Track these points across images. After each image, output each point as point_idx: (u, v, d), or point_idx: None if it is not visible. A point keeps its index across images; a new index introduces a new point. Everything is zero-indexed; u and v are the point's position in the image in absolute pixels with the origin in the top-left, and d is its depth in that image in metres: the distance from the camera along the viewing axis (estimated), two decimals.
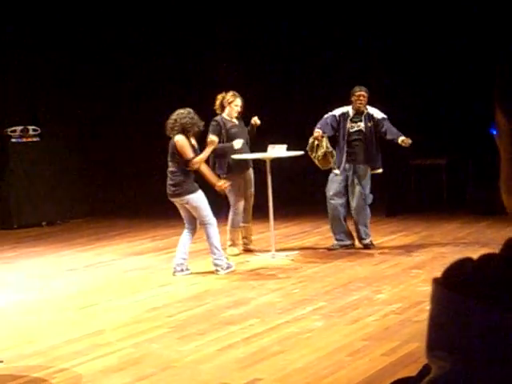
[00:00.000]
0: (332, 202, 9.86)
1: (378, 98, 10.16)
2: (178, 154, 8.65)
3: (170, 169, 8.76)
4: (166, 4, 14.79)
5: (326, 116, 9.87)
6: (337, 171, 9.80)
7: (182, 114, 8.71)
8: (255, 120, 9.82)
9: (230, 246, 9.91)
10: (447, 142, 13.80)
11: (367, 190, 9.84)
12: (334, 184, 9.86)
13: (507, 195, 1.09)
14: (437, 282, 0.97)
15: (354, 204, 9.84)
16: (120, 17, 14.43)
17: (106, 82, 14.36)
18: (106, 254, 10.56)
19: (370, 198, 9.89)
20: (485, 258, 1.03)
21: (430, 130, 13.98)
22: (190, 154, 8.65)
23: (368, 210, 9.91)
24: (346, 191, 9.89)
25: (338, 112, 9.86)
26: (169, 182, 8.73)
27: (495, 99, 1.06)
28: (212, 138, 9.36)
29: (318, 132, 9.59)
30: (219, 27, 15.14)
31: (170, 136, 8.74)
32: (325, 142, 9.58)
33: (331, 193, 9.86)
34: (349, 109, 9.83)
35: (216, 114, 9.86)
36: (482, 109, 13.43)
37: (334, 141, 9.88)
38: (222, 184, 9.13)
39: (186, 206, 8.70)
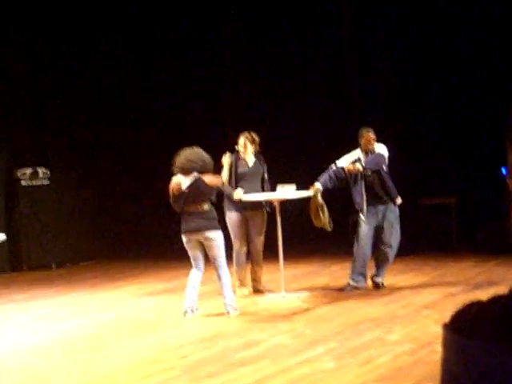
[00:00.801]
0: (359, 243, 9.81)
1: (387, 138, 10.17)
2: (211, 191, 8.70)
3: (200, 209, 8.63)
4: (171, 43, 14.92)
5: (330, 167, 9.84)
6: (362, 217, 9.77)
7: (197, 153, 8.68)
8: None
9: (239, 286, 9.90)
10: (457, 181, 13.82)
11: (398, 231, 9.81)
12: (362, 226, 9.80)
13: None
14: (446, 326, 0.98)
15: (386, 240, 9.77)
16: (128, 60, 14.57)
17: (116, 128, 14.46)
18: (115, 296, 10.55)
19: (399, 238, 9.85)
20: (492, 300, 1.04)
21: (439, 170, 14.01)
22: (218, 179, 8.97)
23: (394, 252, 9.89)
24: (374, 234, 9.85)
25: (345, 162, 9.83)
26: (201, 217, 8.60)
27: (506, 139, 1.08)
28: (224, 175, 9.42)
29: (313, 186, 9.64)
30: (229, 68, 15.26)
31: (189, 175, 8.65)
32: (318, 201, 9.62)
33: (360, 235, 9.81)
34: (359, 153, 9.80)
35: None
36: (491, 149, 13.55)
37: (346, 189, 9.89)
38: (237, 193, 9.36)
39: (208, 242, 8.60)
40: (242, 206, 9.72)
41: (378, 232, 9.79)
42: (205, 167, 8.62)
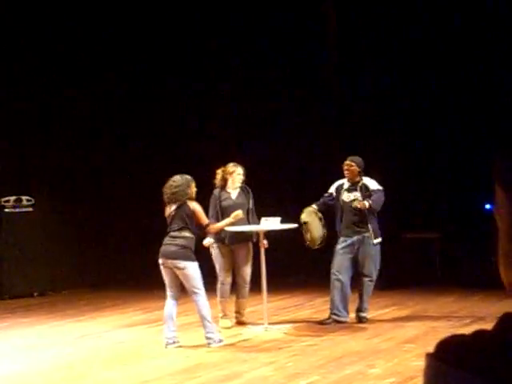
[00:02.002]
0: (335, 276, 9.79)
1: (372, 171, 10.20)
2: (193, 219, 8.71)
3: (177, 233, 8.68)
4: (156, 73, 14.97)
5: (321, 198, 9.94)
6: (337, 247, 9.78)
7: (187, 179, 8.77)
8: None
9: (222, 317, 9.86)
10: (440, 215, 13.86)
11: (377, 266, 9.79)
12: (337, 257, 9.80)
13: (505, 269, 1.10)
14: (429, 355, 0.98)
15: (363, 271, 9.75)
16: (110, 86, 14.59)
17: (100, 157, 14.44)
18: (96, 326, 10.48)
19: (376, 272, 9.83)
20: (477, 333, 1.04)
21: (423, 204, 14.06)
22: (206, 219, 8.89)
23: (373, 284, 9.87)
24: (351, 265, 9.82)
25: (333, 188, 9.91)
26: (172, 242, 8.66)
27: (494, 173, 1.08)
28: (239, 212, 9.33)
29: (311, 206, 9.70)
30: (217, 99, 15.30)
31: (175, 203, 8.72)
32: (307, 214, 9.65)
33: (335, 267, 9.79)
34: (344, 181, 9.87)
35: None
36: (475, 185, 13.58)
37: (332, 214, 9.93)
38: (237, 215, 9.19)
39: (179, 272, 8.60)
40: (228, 239, 9.70)
41: (356, 263, 9.78)
42: (183, 193, 8.70)
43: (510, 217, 1.07)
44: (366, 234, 9.68)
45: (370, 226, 9.65)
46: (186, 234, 8.70)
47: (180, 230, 8.70)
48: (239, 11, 14.98)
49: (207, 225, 8.92)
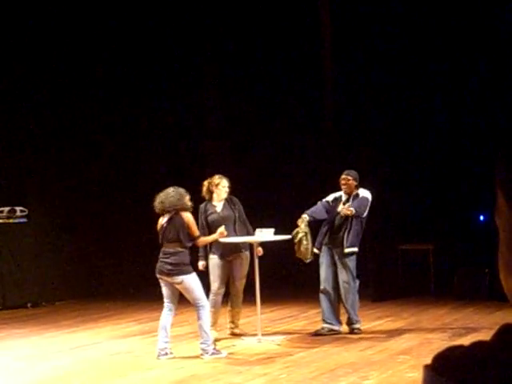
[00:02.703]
0: (321, 287, 9.85)
1: (366, 183, 10.23)
2: (185, 230, 8.71)
3: (170, 249, 8.70)
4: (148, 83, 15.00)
5: (319, 202, 9.97)
6: (320, 258, 9.84)
7: (180, 191, 8.80)
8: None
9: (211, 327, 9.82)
10: (434, 227, 13.87)
11: (353, 273, 9.81)
12: (322, 268, 9.87)
13: (506, 277, 1.10)
14: (427, 366, 0.99)
15: (344, 288, 9.79)
16: (105, 97, 14.62)
17: (94, 167, 14.45)
18: (91, 337, 10.46)
19: (356, 283, 9.86)
20: (475, 345, 1.04)
21: (417, 215, 14.06)
22: (197, 231, 8.91)
23: (356, 294, 9.88)
24: (335, 275, 9.86)
25: (331, 197, 9.97)
26: (166, 260, 8.67)
27: (496, 180, 1.09)
28: (222, 229, 9.34)
29: (303, 217, 9.71)
30: (208, 105, 15.34)
31: (166, 214, 8.74)
32: (302, 228, 9.67)
33: (322, 277, 9.85)
34: (341, 193, 9.93)
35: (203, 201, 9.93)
36: (469, 196, 13.59)
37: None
38: (221, 232, 9.21)
39: (179, 286, 8.65)
40: (223, 251, 9.71)
41: (337, 274, 9.83)
42: (177, 202, 8.72)
43: (510, 226, 1.07)
44: (340, 247, 9.75)
45: (346, 234, 9.70)
46: (178, 248, 8.70)
47: (172, 243, 8.71)
48: (235, 16, 15.07)
49: (198, 237, 8.92)
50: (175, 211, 8.72)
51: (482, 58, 13.32)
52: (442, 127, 13.95)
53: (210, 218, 9.79)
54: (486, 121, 13.16)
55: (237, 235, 9.77)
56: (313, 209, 9.91)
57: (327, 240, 9.83)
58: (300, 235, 9.66)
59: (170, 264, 8.63)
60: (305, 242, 9.67)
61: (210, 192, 9.88)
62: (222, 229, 9.28)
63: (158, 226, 8.85)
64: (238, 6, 15.08)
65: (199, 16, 15.22)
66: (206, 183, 9.93)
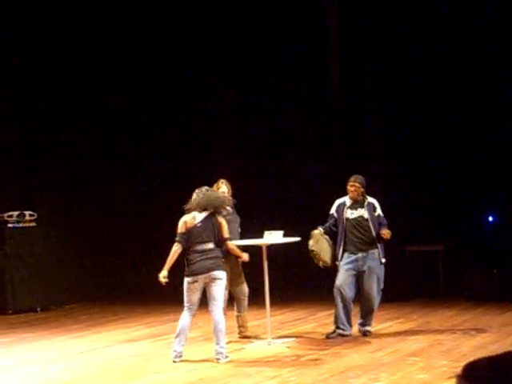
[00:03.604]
0: (338, 291, 9.80)
1: (375, 184, 10.24)
2: (218, 231, 8.66)
3: (206, 247, 8.58)
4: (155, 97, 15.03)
5: (328, 221, 9.99)
6: (338, 263, 9.82)
7: (219, 194, 9.04)
8: (244, 258, 9.70)
9: None
10: (443, 228, 13.86)
11: (382, 279, 9.82)
12: (341, 273, 9.82)
13: None
14: (459, 376, 0.99)
15: (366, 288, 9.76)
16: (115, 105, 14.64)
17: (103, 171, 14.47)
18: (100, 341, 10.47)
19: (382, 288, 9.86)
20: (506, 354, 1.04)
21: (426, 217, 14.05)
22: (228, 233, 8.80)
23: (379, 298, 9.89)
24: (354, 281, 9.84)
25: (333, 209, 9.96)
26: (205, 257, 8.52)
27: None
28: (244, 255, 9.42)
29: (317, 229, 9.78)
30: (216, 117, 15.36)
31: (206, 211, 8.68)
32: (315, 240, 9.71)
33: (338, 282, 9.81)
34: (345, 199, 9.91)
35: None
36: (477, 197, 13.57)
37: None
38: (245, 257, 9.32)
39: (214, 282, 8.50)
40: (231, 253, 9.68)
41: (360, 280, 9.80)
42: (220, 204, 8.78)
43: None
44: (371, 251, 9.73)
45: (378, 245, 9.73)
46: (213, 246, 8.63)
47: (207, 243, 8.60)
48: (238, 22, 15.10)
49: (227, 239, 8.79)
50: (211, 212, 8.69)
51: (490, 58, 13.31)
52: (451, 128, 13.94)
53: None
54: (496, 122, 13.15)
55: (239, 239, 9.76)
56: (325, 224, 9.97)
57: (348, 246, 9.81)
58: (313, 253, 9.72)
59: (211, 258, 8.53)
60: (319, 262, 9.73)
61: None
62: (246, 256, 9.39)
63: (188, 226, 8.64)
64: (244, 11, 15.10)
65: (201, 16, 15.24)
66: (214, 188, 9.96)
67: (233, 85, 15.32)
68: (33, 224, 13.50)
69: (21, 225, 13.35)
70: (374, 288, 9.77)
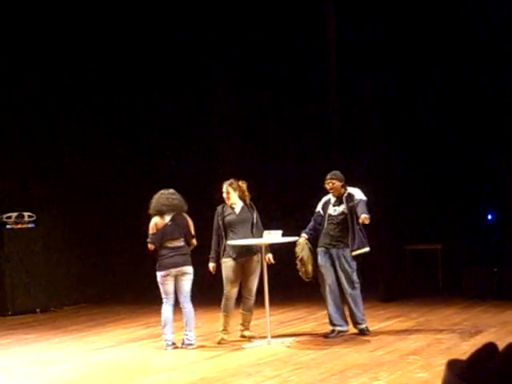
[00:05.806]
0: (330, 289, 9.81)
1: (374, 181, 10.22)
2: (186, 229, 9.50)
3: (177, 244, 9.44)
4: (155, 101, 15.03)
5: (312, 219, 9.99)
6: (319, 260, 9.83)
7: (178, 195, 9.58)
8: (269, 258, 9.86)
9: (222, 331, 9.82)
10: (443, 227, 13.87)
11: (354, 274, 9.78)
12: (322, 271, 9.83)
13: None
14: (460, 377, 0.98)
15: (346, 288, 9.78)
16: (112, 103, 14.64)
17: (102, 173, 14.47)
18: (100, 341, 10.47)
19: (357, 283, 9.82)
20: (504, 354, 1.04)
21: (425, 215, 14.06)
22: (193, 231, 9.64)
23: (359, 293, 9.86)
24: (336, 276, 9.84)
25: (320, 206, 9.98)
26: (178, 253, 9.39)
27: None
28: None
29: (302, 236, 9.77)
30: (217, 117, 15.37)
31: (171, 213, 9.42)
32: (300, 248, 9.72)
33: (329, 281, 9.81)
34: (330, 196, 9.92)
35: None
36: (477, 195, 13.58)
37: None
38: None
39: (186, 276, 9.32)
40: (236, 254, 9.72)
41: (338, 275, 9.81)
42: (180, 207, 9.50)
43: None
44: (343, 247, 9.71)
45: (351, 237, 9.67)
46: (183, 243, 9.46)
47: (178, 239, 9.44)
48: (235, 17, 15.11)
49: (194, 236, 9.59)
50: (178, 212, 9.45)
51: (490, 58, 13.32)
52: (450, 126, 13.94)
53: (227, 218, 9.85)
54: (494, 120, 13.16)
55: (254, 237, 9.81)
56: (309, 225, 9.95)
57: (322, 240, 9.83)
58: (298, 258, 9.74)
59: (183, 255, 9.40)
60: (301, 268, 9.75)
61: (227, 193, 9.96)
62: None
63: (159, 226, 9.45)
64: (244, 10, 15.11)
65: (201, 17, 15.24)
66: (225, 185, 10.01)
67: (233, 87, 15.33)
68: (32, 225, 13.50)
69: (20, 226, 13.34)
70: (346, 284, 9.74)
